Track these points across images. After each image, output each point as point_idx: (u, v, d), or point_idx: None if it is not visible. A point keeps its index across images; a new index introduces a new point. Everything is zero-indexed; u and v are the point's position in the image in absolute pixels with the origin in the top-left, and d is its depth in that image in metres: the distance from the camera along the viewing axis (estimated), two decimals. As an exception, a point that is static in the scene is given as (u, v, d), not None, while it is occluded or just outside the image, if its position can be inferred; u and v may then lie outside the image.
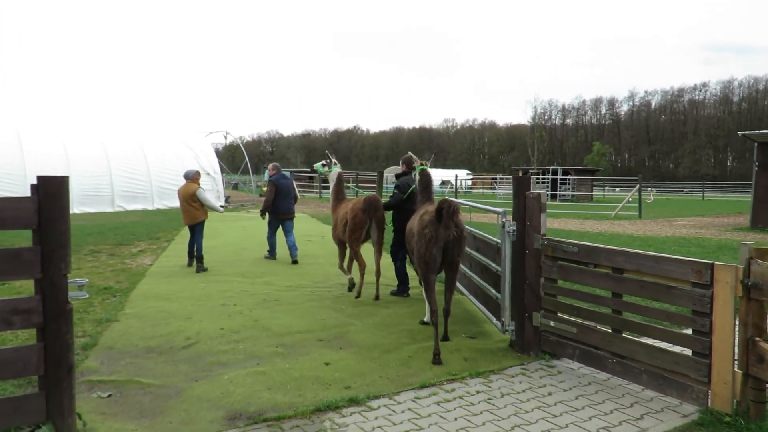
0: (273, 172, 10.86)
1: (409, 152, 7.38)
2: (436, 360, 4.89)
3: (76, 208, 23.55)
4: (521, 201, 5.10)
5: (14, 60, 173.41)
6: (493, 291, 5.71)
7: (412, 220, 5.96)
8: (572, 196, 35.93)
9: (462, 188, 56.63)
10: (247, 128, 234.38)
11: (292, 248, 10.36)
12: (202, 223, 9.61)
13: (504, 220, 5.22)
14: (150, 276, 8.67)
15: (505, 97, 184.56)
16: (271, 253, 10.73)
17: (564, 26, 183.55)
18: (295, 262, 10.18)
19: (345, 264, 7.79)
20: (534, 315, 5.01)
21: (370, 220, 7.13)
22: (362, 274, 7.37)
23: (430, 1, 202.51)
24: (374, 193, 7.96)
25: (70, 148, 24.64)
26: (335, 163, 8.29)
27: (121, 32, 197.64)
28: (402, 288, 7.53)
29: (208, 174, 27.19)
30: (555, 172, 37.13)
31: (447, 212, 4.93)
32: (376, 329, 5.92)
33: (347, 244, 7.52)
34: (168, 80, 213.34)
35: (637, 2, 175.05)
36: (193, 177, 9.63)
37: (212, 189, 27.23)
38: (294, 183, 10.76)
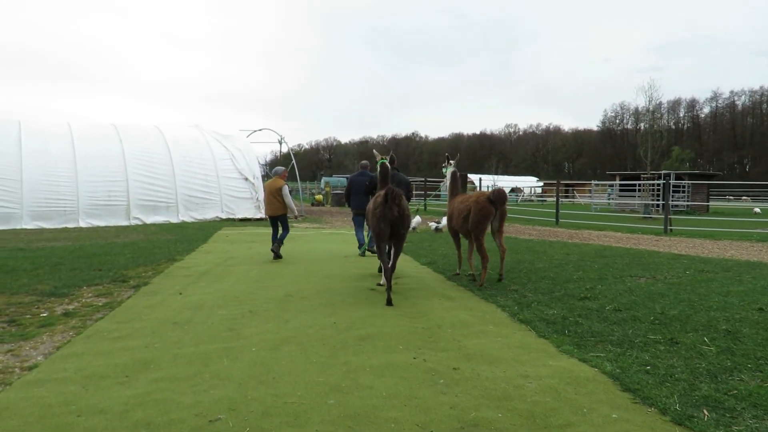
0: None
1: (392, 156, 8.26)
2: (389, 303, 6.26)
3: (82, 221, 19.02)
4: None
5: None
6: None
7: (371, 202, 7.14)
8: (687, 206, 29.04)
9: (532, 196, 50.34)
10: (305, 136, 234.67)
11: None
12: (284, 215, 10.40)
13: None
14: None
15: (572, 103, 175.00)
16: (361, 249, 10.99)
17: (634, 28, 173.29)
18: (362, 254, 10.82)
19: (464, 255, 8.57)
20: None
21: (497, 211, 7.62)
22: (485, 267, 7.52)
23: (492, 6, 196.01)
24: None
25: (77, 142, 20.12)
26: (450, 163, 9.00)
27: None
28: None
29: (246, 179, 22.24)
30: (667, 178, 30.24)
31: (391, 197, 6.27)
32: None
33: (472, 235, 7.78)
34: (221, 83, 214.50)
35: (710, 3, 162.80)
36: (281, 174, 10.50)
37: (251, 197, 22.28)
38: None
